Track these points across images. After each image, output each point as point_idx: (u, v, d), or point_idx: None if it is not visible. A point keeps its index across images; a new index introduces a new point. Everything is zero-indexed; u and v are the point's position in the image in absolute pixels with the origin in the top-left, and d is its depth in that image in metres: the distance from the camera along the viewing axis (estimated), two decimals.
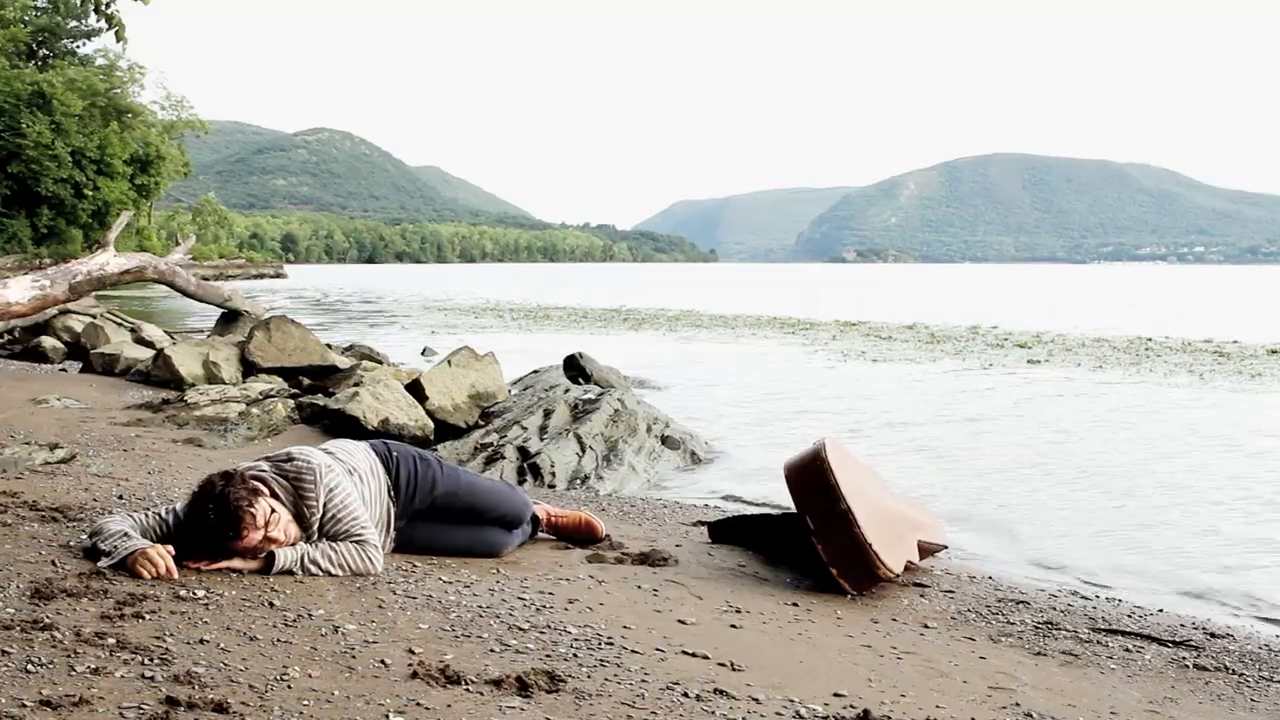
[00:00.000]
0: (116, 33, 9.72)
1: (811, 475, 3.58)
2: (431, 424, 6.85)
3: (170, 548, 2.79)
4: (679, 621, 2.87)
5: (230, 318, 12.07)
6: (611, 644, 2.53)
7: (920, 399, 10.67)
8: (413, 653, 2.29)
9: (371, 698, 1.99)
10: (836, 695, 2.36)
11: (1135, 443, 8.07)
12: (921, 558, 4.05)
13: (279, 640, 2.29)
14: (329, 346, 10.05)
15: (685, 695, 2.20)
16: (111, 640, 2.17)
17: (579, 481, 5.93)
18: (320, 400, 7.21)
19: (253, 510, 2.85)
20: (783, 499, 4.65)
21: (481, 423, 7.05)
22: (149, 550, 2.75)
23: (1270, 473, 6.92)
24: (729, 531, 4.22)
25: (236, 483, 2.88)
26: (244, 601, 2.58)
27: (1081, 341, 17.95)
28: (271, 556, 2.87)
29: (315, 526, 2.99)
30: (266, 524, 2.87)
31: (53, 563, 2.77)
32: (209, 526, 2.83)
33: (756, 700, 2.23)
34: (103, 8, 9.46)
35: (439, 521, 3.37)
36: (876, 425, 8.93)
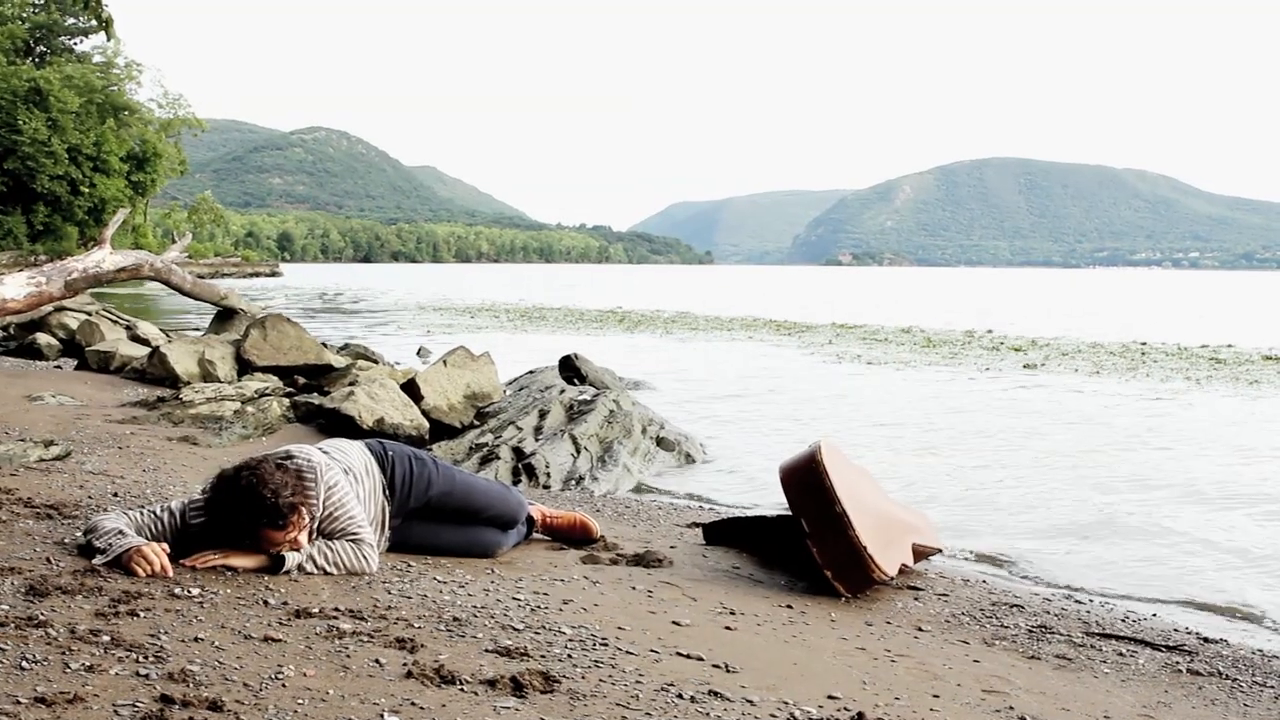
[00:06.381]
0: (106, 29, 9.70)
1: (807, 478, 3.59)
2: (427, 424, 6.84)
3: (165, 545, 2.79)
4: (673, 623, 2.87)
5: (226, 316, 12.03)
6: (606, 645, 2.53)
7: (915, 402, 10.68)
8: (408, 652, 2.29)
9: (366, 697, 1.99)
10: (831, 698, 2.36)
11: (1131, 448, 8.08)
12: (915, 561, 4.05)
13: (273, 639, 2.29)
14: (324, 345, 10.03)
15: (679, 697, 2.20)
16: (106, 638, 2.17)
17: (574, 482, 5.93)
18: (315, 399, 7.20)
19: (303, 508, 2.86)
20: (777, 501, 4.66)
21: (477, 423, 7.05)
22: (144, 548, 2.74)
23: (1266, 479, 6.94)
24: (723, 533, 4.22)
25: (293, 476, 2.89)
26: (239, 600, 2.58)
27: (1077, 347, 17.97)
28: (280, 557, 2.86)
29: (314, 525, 2.99)
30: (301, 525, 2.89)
31: (47, 560, 2.76)
32: (255, 506, 2.79)
33: (751, 702, 2.23)
34: (92, 3, 9.43)
35: (434, 521, 3.38)
36: (871, 427, 8.93)
